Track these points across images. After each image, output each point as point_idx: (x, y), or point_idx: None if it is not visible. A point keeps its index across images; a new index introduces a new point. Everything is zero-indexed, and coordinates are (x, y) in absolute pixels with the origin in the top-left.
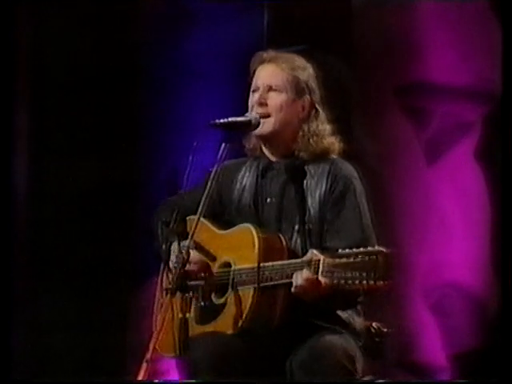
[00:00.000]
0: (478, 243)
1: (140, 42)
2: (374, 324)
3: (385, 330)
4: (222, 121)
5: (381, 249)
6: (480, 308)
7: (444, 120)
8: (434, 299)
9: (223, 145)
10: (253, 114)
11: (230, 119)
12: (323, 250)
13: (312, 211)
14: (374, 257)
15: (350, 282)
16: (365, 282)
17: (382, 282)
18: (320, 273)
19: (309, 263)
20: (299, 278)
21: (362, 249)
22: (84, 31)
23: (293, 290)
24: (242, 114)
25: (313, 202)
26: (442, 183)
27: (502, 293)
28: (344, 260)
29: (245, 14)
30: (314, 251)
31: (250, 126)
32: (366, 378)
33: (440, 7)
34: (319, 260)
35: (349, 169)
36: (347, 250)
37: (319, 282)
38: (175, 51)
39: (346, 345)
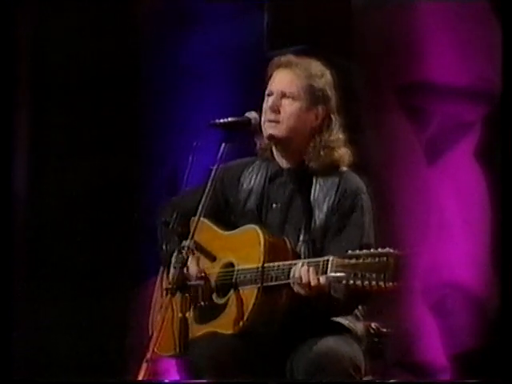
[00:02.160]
0: (478, 243)
1: (140, 42)
2: (373, 324)
3: (384, 330)
4: (221, 121)
5: (391, 250)
6: (480, 308)
7: (444, 120)
8: (434, 299)
9: (223, 145)
10: (253, 113)
11: (229, 119)
12: None
13: (318, 223)
14: (385, 258)
15: (358, 282)
16: (374, 282)
17: (391, 284)
18: (329, 272)
19: (317, 262)
20: (297, 271)
21: (372, 250)
22: (84, 31)
23: (291, 283)
24: (242, 114)
25: (320, 214)
26: (442, 183)
27: (502, 293)
28: (354, 261)
29: (245, 14)
30: None
31: (250, 125)
32: (366, 378)
33: (440, 7)
34: (328, 260)
35: (358, 184)
36: (357, 251)
37: (317, 279)
38: (175, 51)
39: (352, 353)
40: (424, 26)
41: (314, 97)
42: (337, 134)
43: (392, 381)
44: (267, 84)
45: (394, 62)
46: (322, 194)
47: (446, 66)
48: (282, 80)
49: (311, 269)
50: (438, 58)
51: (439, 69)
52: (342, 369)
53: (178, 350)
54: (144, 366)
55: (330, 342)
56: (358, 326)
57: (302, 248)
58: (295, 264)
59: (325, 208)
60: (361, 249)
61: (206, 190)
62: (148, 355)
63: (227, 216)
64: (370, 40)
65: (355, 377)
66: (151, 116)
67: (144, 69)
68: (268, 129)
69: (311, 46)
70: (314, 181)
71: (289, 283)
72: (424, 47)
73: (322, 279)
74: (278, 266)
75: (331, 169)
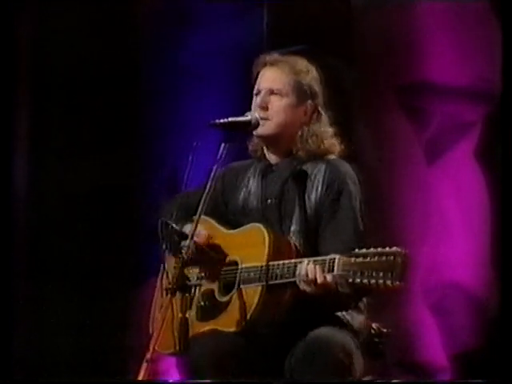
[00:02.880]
0: (478, 243)
1: (140, 41)
2: (373, 324)
3: (384, 330)
4: (221, 121)
5: (398, 249)
6: (480, 308)
7: (444, 120)
8: (434, 299)
9: (223, 145)
10: (253, 113)
11: (229, 119)
12: (317, 254)
13: (309, 212)
14: (392, 257)
15: (365, 281)
16: (381, 281)
17: (398, 283)
18: (335, 271)
19: (324, 261)
20: (303, 268)
21: (379, 249)
22: (84, 32)
23: (297, 281)
24: (242, 114)
25: (309, 204)
26: (442, 183)
27: (502, 293)
28: (360, 259)
29: (245, 13)
30: None
31: (250, 125)
32: (366, 378)
33: (440, 7)
34: (335, 258)
35: (345, 170)
36: (364, 250)
37: (323, 276)
38: (175, 51)
39: (343, 340)
40: (424, 25)
41: (301, 92)
42: (325, 127)
43: (392, 381)
44: (254, 83)
45: (394, 62)
46: (310, 183)
47: (446, 66)
48: (269, 78)
49: (318, 266)
50: (438, 57)
51: (439, 69)
52: (331, 354)
53: (178, 348)
54: (144, 365)
55: (320, 330)
56: (356, 319)
57: (293, 238)
58: (301, 262)
59: (313, 197)
60: (354, 235)
61: (206, 192)
62: (148, 355)
63: (226, 217)
64: (369, 40)
65: (346, 363)
66: (151, 116)
67: (144, 69)
68: (258, 129)
69: (311, 46)
70: (303, 171)
71: (294, 281)
72: (424, 47)
73: (329, 277)
74: (284, 264)
75: (319, 158)
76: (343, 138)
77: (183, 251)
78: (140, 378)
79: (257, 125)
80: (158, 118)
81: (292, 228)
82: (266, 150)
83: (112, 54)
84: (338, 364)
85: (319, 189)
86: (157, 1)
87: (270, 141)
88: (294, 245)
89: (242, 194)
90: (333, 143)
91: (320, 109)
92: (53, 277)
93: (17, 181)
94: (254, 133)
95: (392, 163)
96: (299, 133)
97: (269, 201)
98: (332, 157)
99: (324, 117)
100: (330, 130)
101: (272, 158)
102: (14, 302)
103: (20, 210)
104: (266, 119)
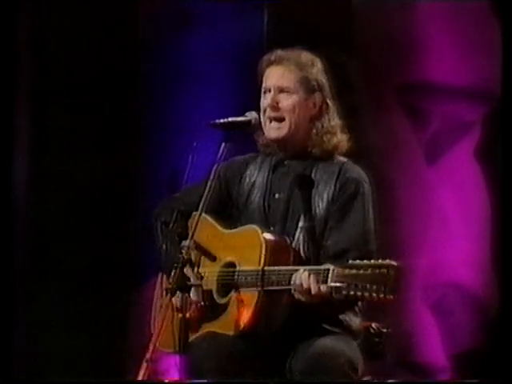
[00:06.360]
0: (478, 243)
1: (140, 42)
2: (373, 324)
3: (384, 330)
4: (221, 121)
5: (392, 262)
6: (480, 308)
7: (444, 120)
8: (434, 299)
9: (223, 145)
10: (253, 113)
11: (229, 119)
12: (322, 248)
13: (318, 210)
14: (385, 270)
15: (359, 293)
16: (374, 294)
17: (390, 296)
18: (329, 282)
19: (318, 271)
20: (298, 278)
21: (372, 261)
22: (84, 31)
23: (292, 290)
24: (242, 114)
25: (320, 202)
26: (442, 183)
27: (502, 293)
28: (354, 271)
29: (245, 13)
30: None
31: (250, 125)
32: (366, 378)
33: (440, 7)
34: (329, 269)
35: (360, 172)
36: (358, 262)
37: (318, 287)
38: (175, 51)
39: (349, 352)
40: (424, 25)
41: (309, 86)
42: (335, 120)
43: (392, 381)
44: (261, 82)
45: (394, 62)
46: (322, 182)
47: (445, 65)
48: (276, 76)
49: (312, 276)
50: (438, 57)
51: (439, 69)
52: (338, 368)
53: (177, 349)
54: (144, 365)
55: (326, 342)
56: (354, 320)
57: (300, 237)
58: (296, 270)
59: (325, 196)
60: (363, 235)
61: (208, 186)
62: (148, 355)
63: (229, 210)
64: (370, 40)
65: (352, 376)
66: (151, 116)
67: (144, 69)
68: (271, 132)
69: (311, 45)
70: (315, 169)
71: (290, 289)
72: (424, 47)
73: (323, 288)
74: (280, 270)
75: (331, 157)
76: (351, 133)
77: (183, 251)
78: (140, 378)
79: (257, 125)
80: (158, 118)
81: (300, 224)
82: (277, 146)
83: (112, 54)
84: (342, 377)
85: (332, 188)
86: (157, 1)
87: (285, 140)
88: (291, 245)
89: (246, 186)
90: (342, 139)
91: (328, 100)
92: (53, 277)
93: (17, 180)
94: (268, 135)
95: (392, 163)
96: (314, 130)
97: (276, 195)
98: (345, 159)
99: (332, 108)
100: (339, 123)
101: (285, 152)
102: (14, 302)
103: (20, 210)
104: (280, 119)
